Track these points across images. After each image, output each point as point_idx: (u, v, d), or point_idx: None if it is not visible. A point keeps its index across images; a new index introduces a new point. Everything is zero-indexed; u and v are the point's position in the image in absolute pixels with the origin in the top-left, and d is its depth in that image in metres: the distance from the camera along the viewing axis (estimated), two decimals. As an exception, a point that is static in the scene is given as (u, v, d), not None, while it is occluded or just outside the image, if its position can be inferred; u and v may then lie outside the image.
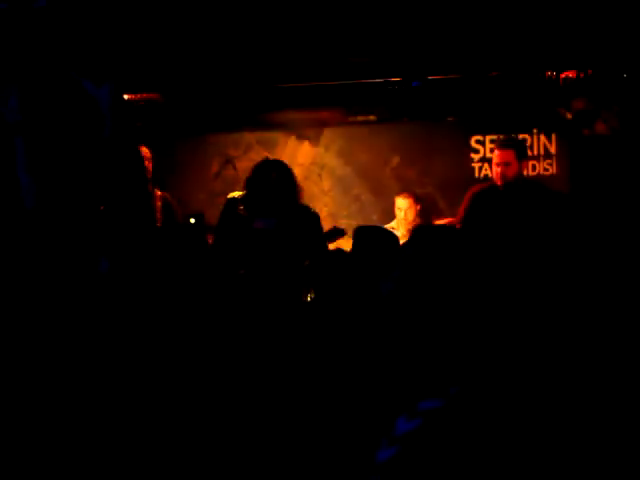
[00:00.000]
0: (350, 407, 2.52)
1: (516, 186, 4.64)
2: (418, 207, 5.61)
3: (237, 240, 4.03)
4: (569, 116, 5.81)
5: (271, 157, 4.42)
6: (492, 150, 4.81)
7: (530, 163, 5.87)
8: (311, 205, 4.55)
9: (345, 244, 4.09)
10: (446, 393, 1.05)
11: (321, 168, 6.29)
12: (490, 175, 5.01)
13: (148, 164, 5.10)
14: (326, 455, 2.45)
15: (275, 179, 4.05)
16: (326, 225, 4.66)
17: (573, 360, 1.13)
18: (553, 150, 5.94)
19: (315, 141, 6.29)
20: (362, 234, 3.69)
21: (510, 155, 4.66)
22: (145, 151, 5.09)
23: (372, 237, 3.64)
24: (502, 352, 1.10)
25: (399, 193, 5.71)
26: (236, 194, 4.25)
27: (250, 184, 4.12)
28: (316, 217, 4.26)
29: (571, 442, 1.03)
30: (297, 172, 6.22)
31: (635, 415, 1.08)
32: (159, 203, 5.29)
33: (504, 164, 4.63)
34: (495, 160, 4.68)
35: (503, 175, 4.61)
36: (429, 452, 1.00)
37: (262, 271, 3.81)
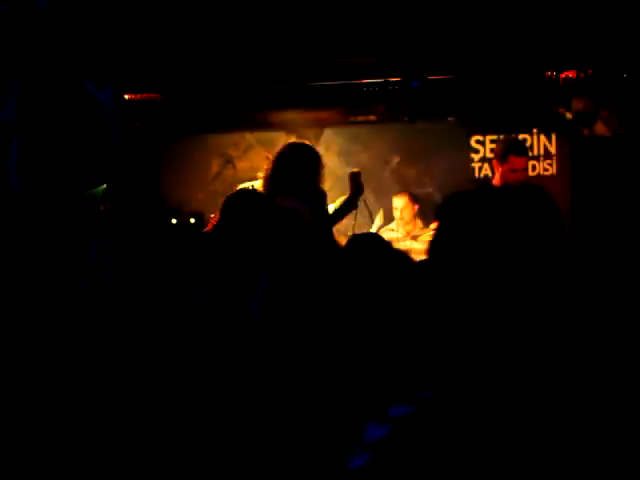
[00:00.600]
0: (320, 413, 2.52)
1: (516, 190, 4.60)
2: (416, 207, 5.59)
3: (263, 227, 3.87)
4: (569, 116, 5.81)
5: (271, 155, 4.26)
6: (504, 155, 4.64)
7: (530, 163, 5.86)
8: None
9: None
10: (417, 398, 1.04)
11: (321, 168, 6.28)
12: (490, 175, 5.00)
13: None
14: (298, 462, 2.44)
15: (308, 164, 3.93)
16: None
17: (551, 365, 1.13)
18: (553, 150, 5.94)
19: (315, 141, 6.29)
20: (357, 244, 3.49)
21: (526, 161, 4.64)
22: None
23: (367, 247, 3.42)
24: (475, 357, 1.10)
25: (396, 193, 5.71)
26: (248, 185, 4.14)
27: (282, 164, 3.97)
28: (323, 195, 4.16)
29: (548, 448, 1.02)
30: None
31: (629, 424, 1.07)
32: None
33: (522, 170, 4.58)
34: (512, 166, 4.53)
35: (519, 181, 4.57)
36: (401, 458, 0.99)
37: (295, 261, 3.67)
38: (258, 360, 2.70)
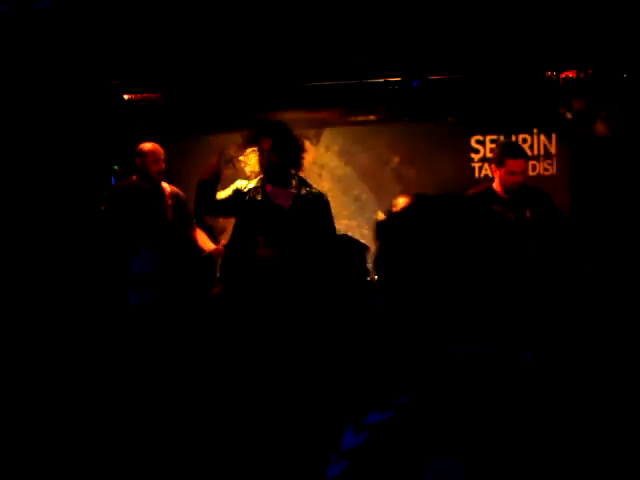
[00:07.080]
0: (299, 422, 2.54)
1: (521, 196, 4.62)
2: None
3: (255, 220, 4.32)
4: (569, 116, 5.81)
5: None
6: (500, 159, 4.66)
7: (530, 163, 5.86)
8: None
9: None
10: (394, 405, 1.05)
11: (321, 168, 6.29)
12: (490, 176, 4.98)
13: (162, 164, 5.21)
14: (277, 470, 2.46)
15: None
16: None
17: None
18: (553, 150, 5.94)
19: (315, 141, 6.29)
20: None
21: (524, 163, 4.66)
22: (157, 148, 5.21)
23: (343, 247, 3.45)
24: (449, 363, 1.10)
25: (399, 194, 5.70)
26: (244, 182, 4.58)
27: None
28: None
29: (523, 449, 1.03)
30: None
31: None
32: (170, 201, 5.28)
33: (520, 173, 4.60)
34: (513, 169, 4.55)
35: (518, 184, 4.59)
36: (377, 466, 1.00)
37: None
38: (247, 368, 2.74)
